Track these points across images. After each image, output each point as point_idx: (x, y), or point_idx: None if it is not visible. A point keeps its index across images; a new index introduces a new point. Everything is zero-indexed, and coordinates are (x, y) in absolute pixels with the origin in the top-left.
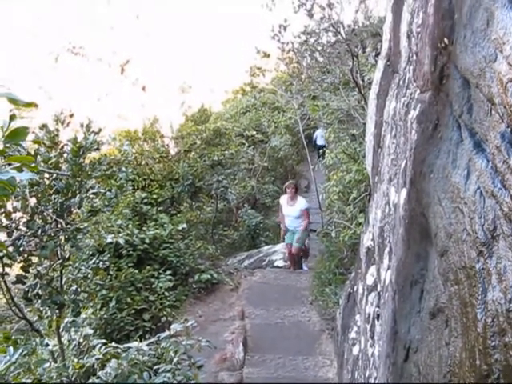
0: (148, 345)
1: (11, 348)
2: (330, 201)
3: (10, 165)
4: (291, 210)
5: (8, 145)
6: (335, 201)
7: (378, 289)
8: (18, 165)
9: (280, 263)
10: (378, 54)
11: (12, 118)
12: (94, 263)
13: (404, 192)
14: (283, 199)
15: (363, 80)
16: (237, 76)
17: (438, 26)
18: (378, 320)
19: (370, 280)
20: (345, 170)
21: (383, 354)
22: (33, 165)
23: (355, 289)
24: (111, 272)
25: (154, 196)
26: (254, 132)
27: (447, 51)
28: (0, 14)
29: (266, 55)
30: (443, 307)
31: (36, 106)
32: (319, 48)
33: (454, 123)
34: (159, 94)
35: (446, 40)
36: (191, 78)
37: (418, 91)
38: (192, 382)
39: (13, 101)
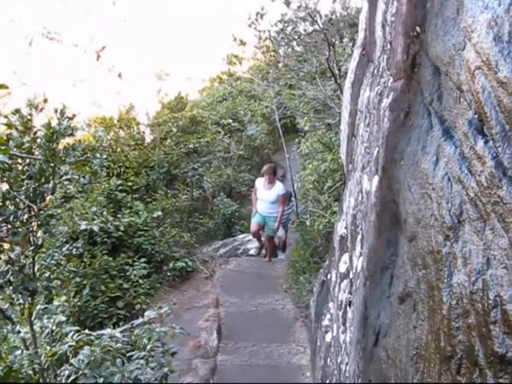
0: (121, 332)
1: None
2: (305, 190)
3: None
4: (267, 194)
5: None
6: (310, 190)
7: (351, 276)
8: None
9: (254, 252)
10: (354, 44)
11: None
12: (67, 250)
13: (376, 179)
14: (259, 182)
15: (340, 70)
16: (214, 64)
17: (411, 15)
18: (349, 307)
19: (342, 267)
20: (320, 159)
21: (354, 339)
22: (3, 148)
23: (328, 277)
24: (85, 259)
25: (129, 183)
26: (231, 120)
27: (419, 40)
28: None
29: (243, 43)
30: (411, 292)
31: (7, 87)
32: (296, 37)
33: (425, 111)
34: (135, 81)
35: (418, 28)
36: (168, 65)
37: (391, 80)
38: (165, 368)
39: None
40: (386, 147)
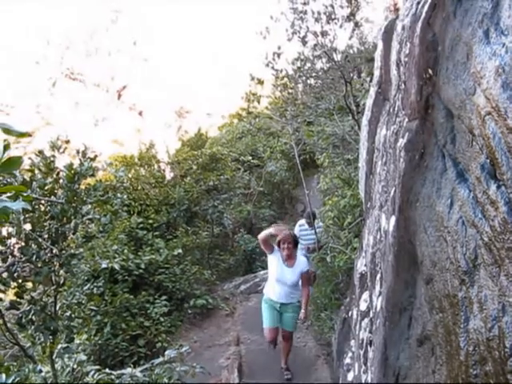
0: (142, 371)
1: (3, 375)
2: (326, 225)
3: (3, 194)
4: (286, 273)
5: (2, 174)
6: (330, 225)
7: (371, 315)
8: (11, 194)
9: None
10: (372, 80)
11: (6, 147)
12: (88, 289)
13: (393, 219)
14: (274, 256)
15: (358, 105)
16: (233, 101)
17: (423, 57)
18: (370, 346)
19: (363, 306)
20: (339, 194)
21: (375, 380)
22: (26, 194)
23: (350, 314)
24: (106, 297)
25: (150, 221)
26: (250, 157)
27: (432, 82)
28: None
29: (260, 82)
30: (429, 335)
31: (30, 135)
32: (313, 74)
33: (439, 152)
34: (156, 119)
35: (430, 71)
36: (188, 103)
37: (407, 119)
38: None
39: (7, 131)
40: (402, 187)
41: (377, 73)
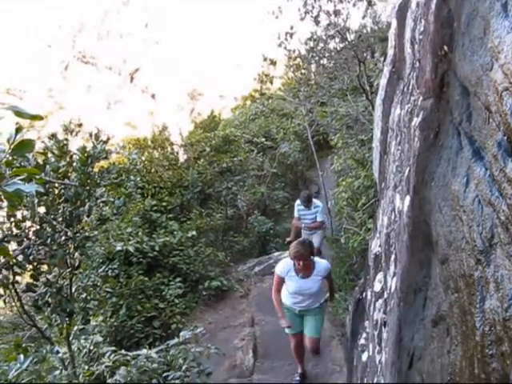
0: (157, 352)
1: (22, 356)
2: (340, 207)
3: (17, 176)
4: (305, 284)
5: (15, 157)
6: (344, 207)
7: (385, 295)
8: (24, 177)
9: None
10: (386, 60)
11: (18, 130)
12: (103, 271)
13: (408, 199)
14: (286, 265)
15: (371, 85)
16: (246, 83)
17: (438, 34)
18: (384, 327)
19: (377, 286)
20: (353, 175)
21: (389, 360)
22: (39, 176)
23: (364, 295)
24: (121, 279)
25: (164, 203)
26: (263, 139)
27: (447, 59)
28: (12, 24)
29: (273, 62)
30: (445, 315)
31: (42, 118)
32: (326, 54)
33: (454, 131)
34: (168, 101)
35: (445, 48)
36: (201, 85)
37: (421, 98)
38: None
39: (19, 114)
40: (416, 167)
41: (391, 52)
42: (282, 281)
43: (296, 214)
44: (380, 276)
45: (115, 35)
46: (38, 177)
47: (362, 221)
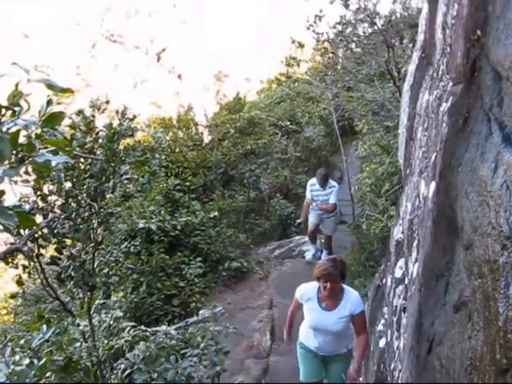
0: (176, 329)
1: (44, 326)
2: (362, 193)
3: (45, 148)
4: (328, 319)
5: (44, 129)
6: (367, 193)
7: (406, 282)
8: (53, 148)
9: (309, 258)
10: (414, 46)
11: (49, 102)
12: (125, 247)
13: (433, 185)
14: (307, 290)
15: (399, 72)
16: (272, 65)
17: (472, 18)
18: (404, 313)
19: (398, 273)
20: (378, 162)
21: (408, 346)
22: (68, 149)
23: (384, 281)
24: (142, 257)
25: (187, 183)
26: (288, 122)
27: (480, 43)
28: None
29: (301, 45)
30: (467, 301)
31: (72, 92)
32: (355, 39)
33: (484, 116)
34: (194, 82)
35: (478, 32)
36: (227, 66)
37: (451, 84)
38: (218, 367)
39: (50, 87)
40: (444, 152)
41: (421, 37)
42: (298, 306)
43: (308, 195)
44: (401, 262)
45: (143, 14)
46: (66, 149)
47: (385, 207)
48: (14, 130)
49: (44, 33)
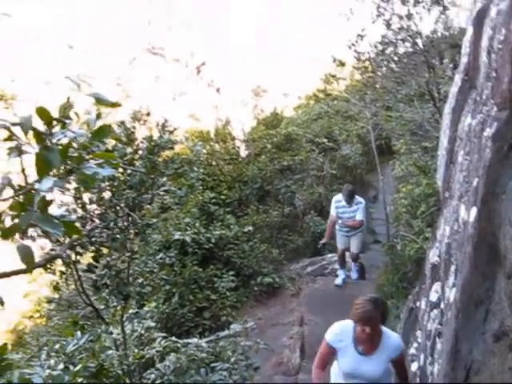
0: (207, 342)
1: (79, 332)
2: (398, 213)
3: (92, 159)
4: (365, 365)
5: (92, 141)
6: (403, 213)
7: (442, 306)
8: (100, 161)
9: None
10: (455, 66)
11: (98, 116)
12: (160, 258)
13: (474, 210)
14: (341, 331)
15: (439, 92)
16: (310, 82)
17: None
18: (439, 338)
19: (433, 296)
20: (414, 182)
21: (442, 372)
22: (114, 162)
23: (418, 304)
24: (176, 268)
25: (222, 197)
26: (325, 139)
27: None
28: (80, 12)
29: (342, 64)
30: (508, 330)
31: (120, 105)
32: (395, 58)
33: None
34: (233, 96)
35: None
36: (265, 81)
37: (495, 109)
38: (247, 382)
39: (99, 101)
40: (486, 178)
41: (464, 59)
42: (330, 353)
43: (333, 212)
44: (437, 286)
45: (184, 27)
46: (113, 162)
47: (421, 229)
48: (63, 141)
49: (88, 42)
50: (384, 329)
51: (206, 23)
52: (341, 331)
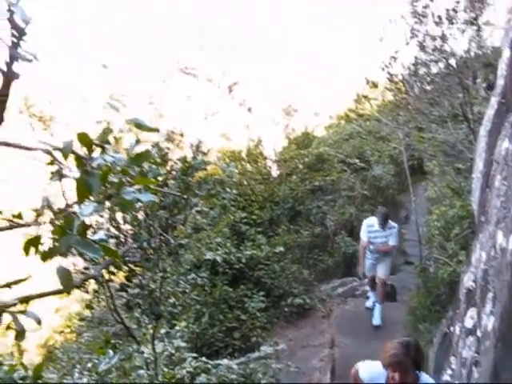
0: (237, 364)
1: (111, 351)
2: (431, 235)
3: (129, 182)
4: None
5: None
6: (436, 235)
7: (478, 333)
8: (139, 187)
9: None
10: (489, 86)
11: (137, 142)
12: (192, 279)
13: None
14: (372, 375)
15: (473, 113)
16: (342, 101)
17: None
18: (476, 367)
19: (469, 323)
20: (448, 204)
21: None
22: (153, 187)
23: (452, 329)
24: (206, 288)
25: (254, 217)
26: (357, 160)
27: None
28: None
29: (375, 86)
30: None
31: (158, 131)
32: (429, 79)
33: None
34: (264, 115)
35: None
36: (296, 101)
37: None
38: None
39: (139, 126)
40: None
41: (500, 82)
42: None
43: (365, 237)
44: (472, 312)
45: (217, 47)
46: (152, 187)
47: (454, 251)
48: (100, 163)
49: (122, 61)
50: (421, 374)
51: (238, 42)
52: (376, 372)
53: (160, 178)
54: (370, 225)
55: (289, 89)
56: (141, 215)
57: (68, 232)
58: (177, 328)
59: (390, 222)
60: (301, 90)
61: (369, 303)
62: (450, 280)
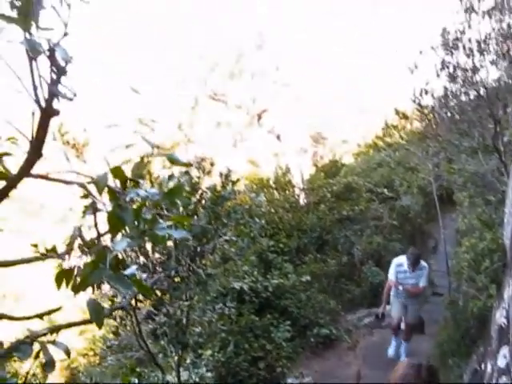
0: None
1: (136, 379)
2: (460, 267)
3: (159, 215)
4: None
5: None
6: (465, 268)
7: None
8: (172, 223)
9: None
10: None
11: (170, 178)
12: (220, 308)
13: None
14: None
15: (503, 145)
16: (370, 130)
17: None
18: None
19: (501, 362)
20: (478, 236)
21: None
22: (186, 223)
23: (483, 367)
24: (232, 316)
25: (281, 245)
26: (385, 189)
27: None
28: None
29: (405, 117)
30: None
31: (191, 165)
32: (459, 111)
33: None
34: (292, 143)
35: None
36: (324, 128)
37: None
38: None
39: (172, 160)
40: None
41: None
42: None
43: (393, 277)
44: (505, 350)
45: (247, 75)
46: (186, 224)
47: (484, 285)
48: (133, 197)
49: (149, 87)
50: None
51: (268, 71)
52: None
53: (190, 207)
54: (399, 264)
55: (317, 117)
56: (170, 244)
57: (101, 266)
58: (202, 357)
59: (421, 262)
60: (329, 118)
61: (391, 351)
62: (479, 314)
